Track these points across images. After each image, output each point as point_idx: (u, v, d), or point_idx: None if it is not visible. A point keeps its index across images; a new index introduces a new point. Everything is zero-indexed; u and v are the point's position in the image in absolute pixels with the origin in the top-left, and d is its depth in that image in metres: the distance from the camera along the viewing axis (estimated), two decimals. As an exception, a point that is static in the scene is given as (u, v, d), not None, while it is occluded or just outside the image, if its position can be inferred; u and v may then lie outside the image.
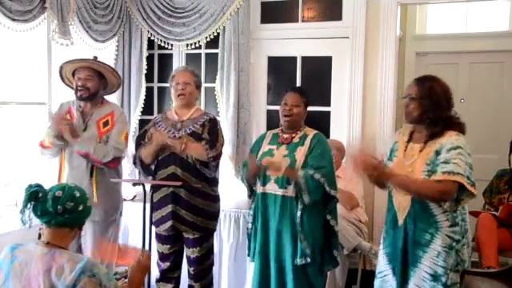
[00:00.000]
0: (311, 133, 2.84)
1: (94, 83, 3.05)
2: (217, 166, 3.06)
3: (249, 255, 2.98)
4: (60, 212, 1.70)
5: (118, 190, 3.22)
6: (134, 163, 3.13)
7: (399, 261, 2.36)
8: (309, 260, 2.68)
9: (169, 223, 3.00)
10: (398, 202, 2.39)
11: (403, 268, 2.36)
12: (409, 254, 2.34)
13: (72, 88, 3.14)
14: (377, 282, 2.52)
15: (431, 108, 2.30)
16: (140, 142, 3.11)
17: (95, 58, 3.13)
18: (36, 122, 3.61)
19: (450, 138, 2.27)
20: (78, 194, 1.75)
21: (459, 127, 2.34)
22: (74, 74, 3.09)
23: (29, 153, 3.52)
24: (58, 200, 1.71)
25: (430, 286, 2.27)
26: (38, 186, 1.75)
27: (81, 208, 1.73)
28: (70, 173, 3.06)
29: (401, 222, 2.36)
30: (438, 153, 2.26)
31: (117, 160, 3.08)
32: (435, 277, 2.26)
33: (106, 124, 3.08)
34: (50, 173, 3.47)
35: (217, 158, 2.99)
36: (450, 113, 2.35)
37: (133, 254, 1.97)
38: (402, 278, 2.36)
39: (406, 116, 2.40)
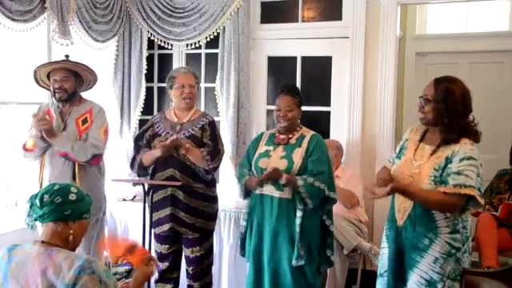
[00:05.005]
0: (308, 134, 2.81)
1: (71, 83, 3.04)
2: (213, 173, 3.05)
3: (242, 255, 2.95)
4: (39, 206, 1.73)
5: (100, 189, 3.17)
6: (132, 166, 3.09)
7: (395, 262, 2.34)
8: (303, 262, 2.65)
9: (167, 225, 2.99)
10: (399, 202, 2.34)
11: (399, 269, 2.33)
12: (405, 256, 2.31)
13: (48, 89, 3.14)
14: (379, 281, 2.48)
15: (446, 113, 2.20)
16: (138, 143, 3.09)
17: (67, 56, 3.09)
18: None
19: (464, 147, 2.17)
20: (56, 187, 1.76)
21: (475, 136, 2.23)
22: (48, 77, 3.07)
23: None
24: (37, 195, 1.75)
25: None
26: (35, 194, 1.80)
27: (59, 200, 1.72)
28: (51, 173, 3.02)
29: (400, 223, 2.33)
30: (448, 159, 2.18)
31: (98, 157, 3.07)
32: (431, 283, 2.22)
33: (84, 121, 3.07)
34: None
35: (216, 168, 3.00)
36: (466, 119, 2.24)
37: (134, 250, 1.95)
38: (399, 279, 2.33)
39: (421, 117, 2.30)
